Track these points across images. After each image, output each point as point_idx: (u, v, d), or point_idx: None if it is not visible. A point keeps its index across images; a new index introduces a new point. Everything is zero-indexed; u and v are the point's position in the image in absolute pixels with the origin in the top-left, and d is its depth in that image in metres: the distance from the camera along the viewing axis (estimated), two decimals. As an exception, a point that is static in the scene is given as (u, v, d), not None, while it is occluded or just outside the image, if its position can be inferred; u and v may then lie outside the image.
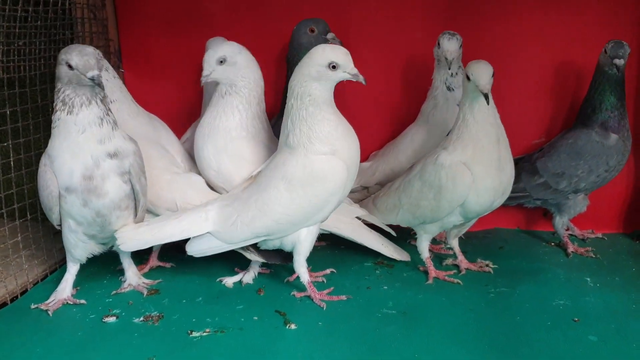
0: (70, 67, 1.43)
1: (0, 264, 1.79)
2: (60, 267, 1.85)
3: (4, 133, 1.74)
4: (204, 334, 1.42)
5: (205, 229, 1.58)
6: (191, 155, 1.85)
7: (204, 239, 1.59)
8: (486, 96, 1.52)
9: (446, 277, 1.71)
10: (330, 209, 1.56)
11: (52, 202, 1.52)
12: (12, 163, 1.72)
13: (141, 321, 1.50)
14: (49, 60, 1.82)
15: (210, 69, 1.65)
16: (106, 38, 2.09)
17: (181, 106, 2.24)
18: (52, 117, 1.49)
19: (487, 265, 1.78)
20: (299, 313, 1.53)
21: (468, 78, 1.55)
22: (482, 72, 1.52)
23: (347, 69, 1.47)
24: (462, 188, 1.60)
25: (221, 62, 1.64)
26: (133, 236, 1.58)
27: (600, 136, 1.82)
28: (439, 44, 1.84)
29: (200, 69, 1.70)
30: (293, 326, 1.46)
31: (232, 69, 1.65)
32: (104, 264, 1.83)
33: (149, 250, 1.80)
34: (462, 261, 1.79)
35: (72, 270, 1.65)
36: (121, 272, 1.77)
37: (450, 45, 1.82)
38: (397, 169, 1.95)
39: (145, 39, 2.19)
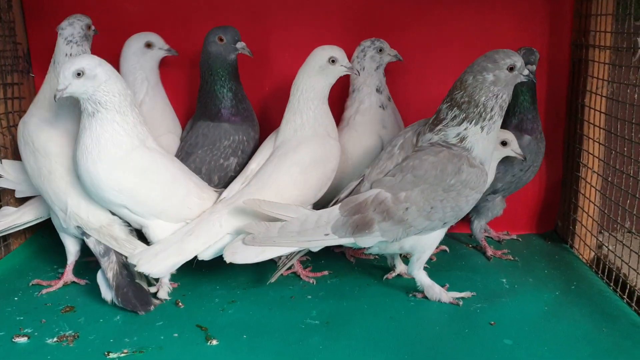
0: (512, 69, 1.48)
1: None
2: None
3: None
4: (122, 355, 1.37)
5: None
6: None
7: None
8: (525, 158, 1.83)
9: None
10: None
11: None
12: None
13: (55, 342, 1.44)
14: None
15: (67, 82, 1.51)
16: (14, 41, 1.98)
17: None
18: (486, 123, 1.50)
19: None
20: (222, 326, 1.50)
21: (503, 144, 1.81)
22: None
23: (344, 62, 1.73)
24: None
25: (78, 74, 1.50)
26: None
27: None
28: (381, 49, 1.89)
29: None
30: (215, 342, 1.43)
31: (91, 83, 1.52)
32: (18, 279, 1.77)
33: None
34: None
35: None
36: (34, 288, 1.71)
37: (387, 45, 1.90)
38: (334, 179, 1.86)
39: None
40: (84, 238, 1.68)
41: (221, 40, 1.85)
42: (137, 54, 1.95)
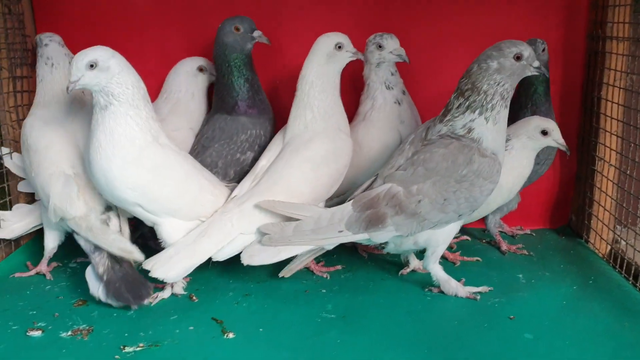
0: (519, 58, 1.46)
1: None
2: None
3: None
4: (138, 348, 1.36)
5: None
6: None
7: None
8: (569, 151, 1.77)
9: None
10: None
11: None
12: None
13: (69, 335, 1.42)
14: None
15: (80, 74, 1.48)
16: (23, 34, 1.96)
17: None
18: (489, 113, 1.49)
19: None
20: (237, 320, 1.49)
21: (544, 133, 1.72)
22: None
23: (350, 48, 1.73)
24: None
25: (92, 66, 1.48)
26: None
27: None
28: (380, 45, 1.83)
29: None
30: (231, 335, 1.42)
31: (104, 74, 1.49)
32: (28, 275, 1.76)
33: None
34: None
35: None
36: (46, 282, 1.70)
37: (396, 42, 1.84)
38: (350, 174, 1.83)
39: (65, 35, 2.06)
40: (75, 235, 1.67)
41: (237, 30, 1.83)
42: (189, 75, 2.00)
